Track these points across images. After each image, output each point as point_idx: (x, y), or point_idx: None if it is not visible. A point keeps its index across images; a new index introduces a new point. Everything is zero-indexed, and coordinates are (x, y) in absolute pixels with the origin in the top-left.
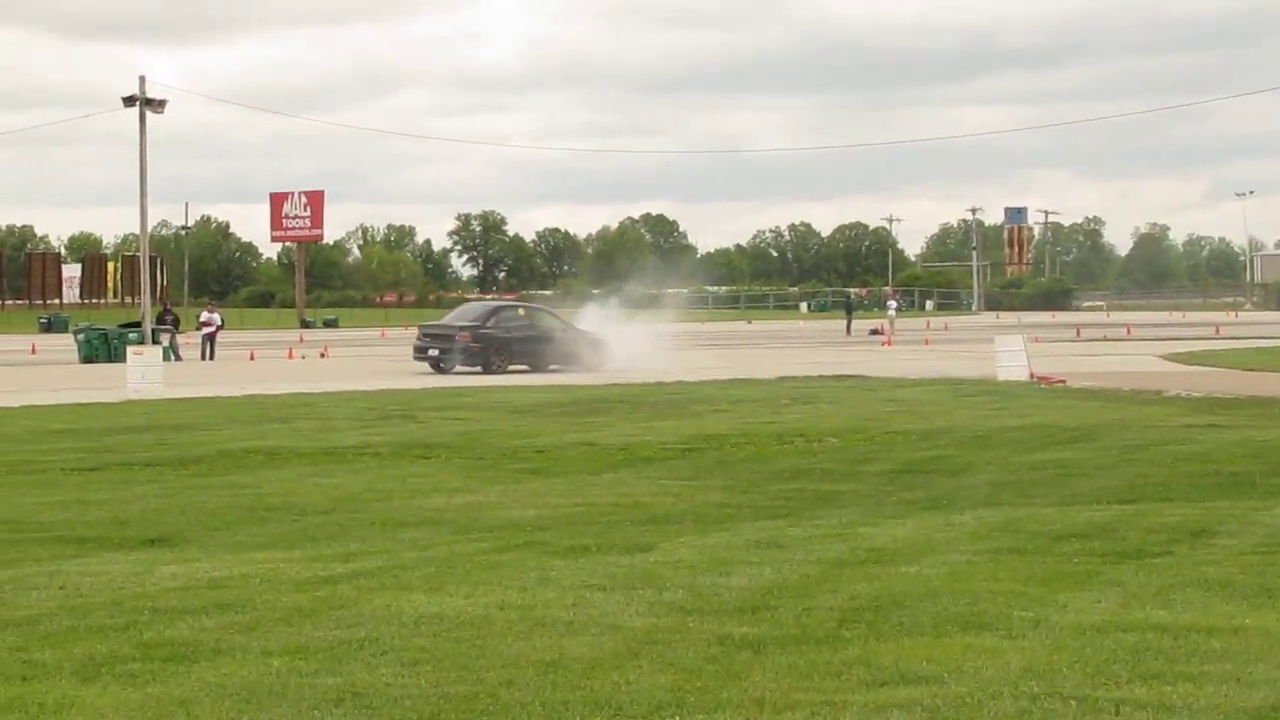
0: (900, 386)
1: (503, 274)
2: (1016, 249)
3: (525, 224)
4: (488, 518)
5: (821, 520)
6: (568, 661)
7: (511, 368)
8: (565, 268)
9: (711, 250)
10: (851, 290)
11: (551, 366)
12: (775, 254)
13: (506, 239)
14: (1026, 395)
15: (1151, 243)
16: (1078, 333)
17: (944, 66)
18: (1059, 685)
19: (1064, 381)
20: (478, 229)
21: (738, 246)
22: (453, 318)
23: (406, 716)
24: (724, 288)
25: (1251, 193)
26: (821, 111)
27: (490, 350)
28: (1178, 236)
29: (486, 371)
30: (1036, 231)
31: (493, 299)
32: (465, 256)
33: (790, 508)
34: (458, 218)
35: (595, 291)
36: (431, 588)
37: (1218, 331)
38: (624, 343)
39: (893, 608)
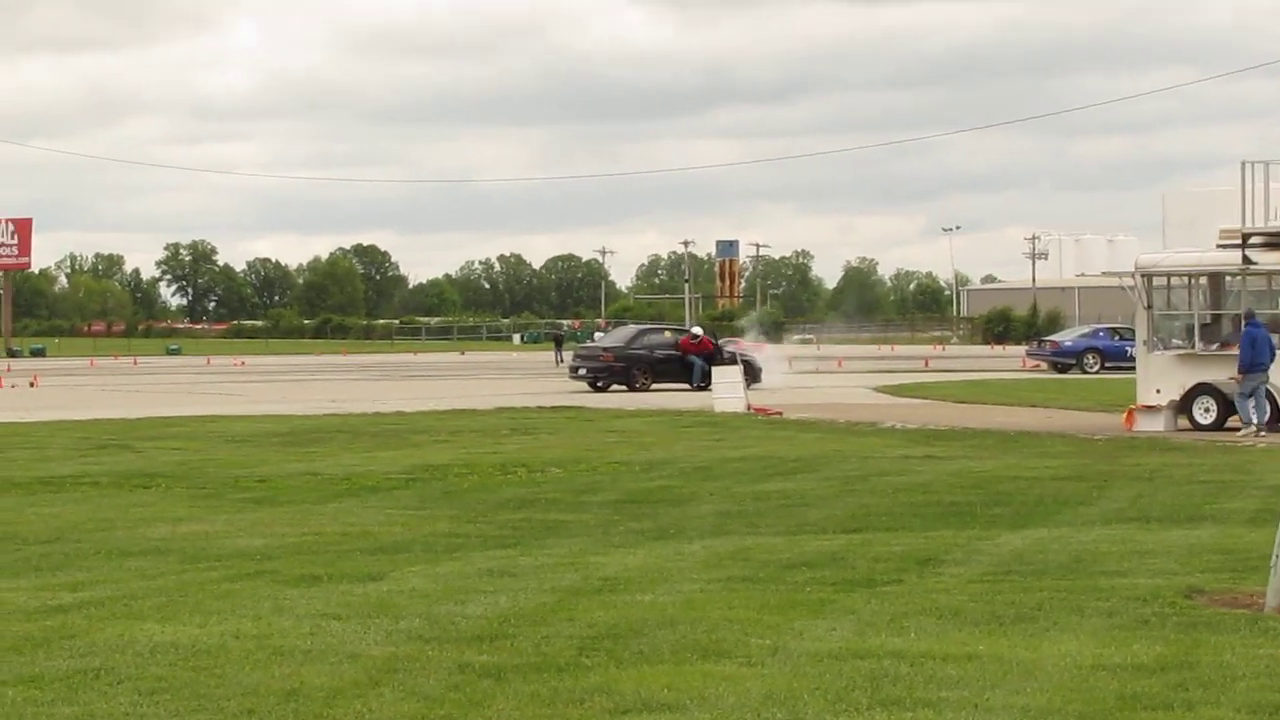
0: (618, 417)
1: (212, 304)
2: (727, 282)
3: (246, 254)
4: (215, 547)
5: (551, 549)
6: (308, 690)
7: (656, 386)
8: (276, 298)
9: (424, 281)
10: (564, 322)
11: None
12: (487, 285)
13: (216, 269)
14: (745, 427)
15: (859, 276)
16: (789, 364)
17: (677, 100)
18: (800, 712)
19: (780, 413)
20: (187, 258)
21: (448, 277)
22: (603, 339)
23: None
24: (436, 319)
25: (958, 228)
26: (552, 144)
27: (632, 368)
28: (888, 271)
29: (630, 389)
30: (749, 265)
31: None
32: (174, 286)
33: (519, 537)
34: (166, 247)
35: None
36: (164, 617)
37: (926, 365)
38: (768, 365)
39: (631, 636)
